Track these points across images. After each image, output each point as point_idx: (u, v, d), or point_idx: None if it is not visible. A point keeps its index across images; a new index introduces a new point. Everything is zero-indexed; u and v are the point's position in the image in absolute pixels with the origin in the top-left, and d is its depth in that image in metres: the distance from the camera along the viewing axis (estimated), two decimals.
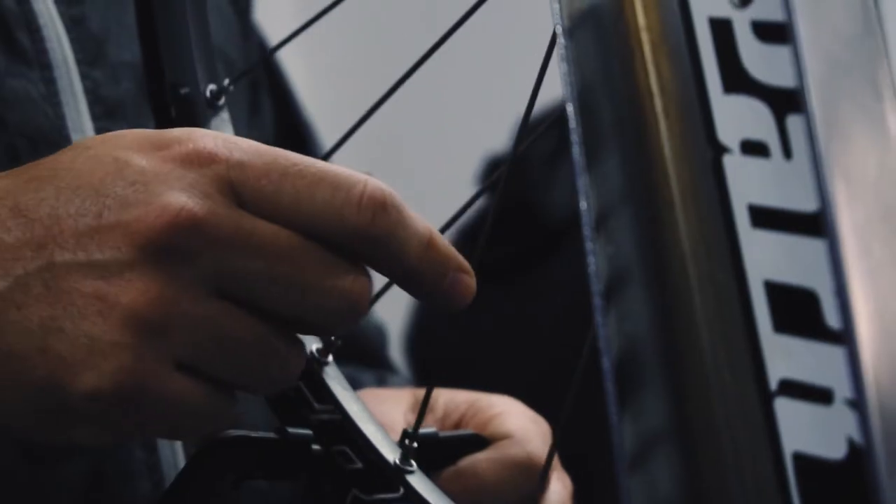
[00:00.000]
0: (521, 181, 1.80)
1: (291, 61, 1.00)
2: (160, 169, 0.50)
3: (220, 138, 0.51)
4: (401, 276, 0.53)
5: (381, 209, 0.51)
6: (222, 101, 0.63)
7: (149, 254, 0.48)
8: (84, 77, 0.71)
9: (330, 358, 0.61)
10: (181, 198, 0.49)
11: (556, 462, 0.70)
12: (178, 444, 0.70)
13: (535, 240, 1.73)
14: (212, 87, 0.63)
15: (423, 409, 0.62)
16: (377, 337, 0.96)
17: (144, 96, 0.65)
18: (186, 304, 0.49)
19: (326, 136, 0.97)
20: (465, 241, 2.02)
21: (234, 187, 0.50)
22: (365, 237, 0.51)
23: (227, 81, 0.63)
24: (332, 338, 0.61)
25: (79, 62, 0.71)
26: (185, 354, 0.49)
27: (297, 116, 0.95)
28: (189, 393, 0.50)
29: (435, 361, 1.84)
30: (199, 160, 0.50)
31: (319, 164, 0.51)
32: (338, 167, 0.51)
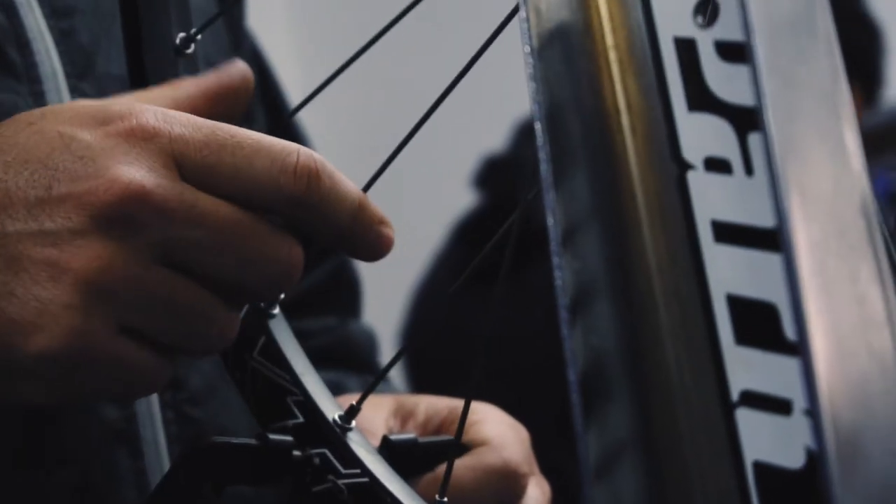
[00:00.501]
0: (517, 183, 1.81)
1: (285, 68, 1.01)
2: (105, 144, 0.52)
3: (160, 113, 0.53)
4: (335, 238, 0.56)
5: (315, 176, 0.54)
6: (191, 48, 0.64)
7: (99, 223, 0.51)
8: (73, 90, 0.72)
9: (353, 423, 0.62)
10: (129, 171, 0.51)
11: (534, 468, 0.71)
12: (164, 451, 0.72)
13: (529, 241, 1.75)
14: (181, 34, 0.64)
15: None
16: (366, 342, 0.97)
17: None
18: (134, 270, 0.51)
19: (320, 143, 0.98)
20: (460, 241, 2.04)
21: (177, 160, 0.53)
22: (301, 203, 0.54)
23: (193, 30, 0.64)
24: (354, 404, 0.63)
25: (68, 75, 0.72)
26: (131, 318, 0.52)
27: (290, 126, 0.96)
28: (133, 355, 0.52)
29: (428, 362, 1.86)
30: (143, 135, 0.52)
31: (256, 135, 0.54)
32: (273, 138, 0.54)
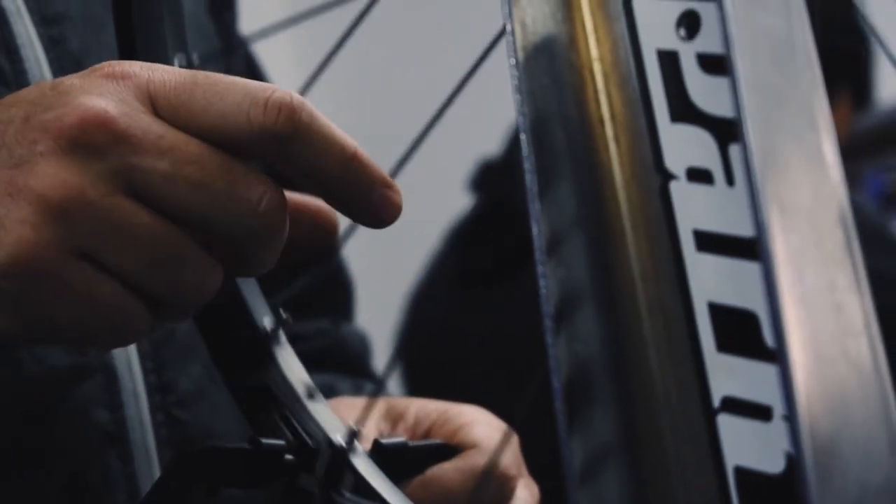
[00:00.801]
0: (513, 187, 1.82)
1: (282, 72, 1.02)
2: (85, 82, 0.53)
3: (145, 64, 0.54)
4: (324, 185, 0.55)
5: (289, 109, 0.53)
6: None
7: (61, 146, 0.52)
8: None
9: (359, 447, 0.61)
10: (98, 101, 0.52)
11: (523, 470, 0.72)
12: (154, 453, 0.72)
13: (519, 244, 1.76)
14: (180, 57, 0.65)
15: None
16: (358, 345, 0.97)
17: None
18: (91, 193, 0.51)
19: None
20: (456, 244, 2.05)
21: (152, 98, 0.53)
22: (272, 136, 0.53)
23: (195, 56, 0.65)
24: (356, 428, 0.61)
25: None
26: (88, 244, 0.52)
27: None
28: (93, 284, 0.52)
29: (425, 363, 1.87)
30: (123, 75, 0.54)
31: (235, 78, 0.54)
32: (252, 81, 0.54)
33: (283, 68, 1.04)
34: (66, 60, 0.73)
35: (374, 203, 0.55)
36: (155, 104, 0.53)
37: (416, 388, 1.92)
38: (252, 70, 0.95)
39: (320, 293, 0.96)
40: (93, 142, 0.52)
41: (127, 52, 0.64)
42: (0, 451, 0.68)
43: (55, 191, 0.51)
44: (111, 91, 0.53)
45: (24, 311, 0.53)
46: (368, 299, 1.08)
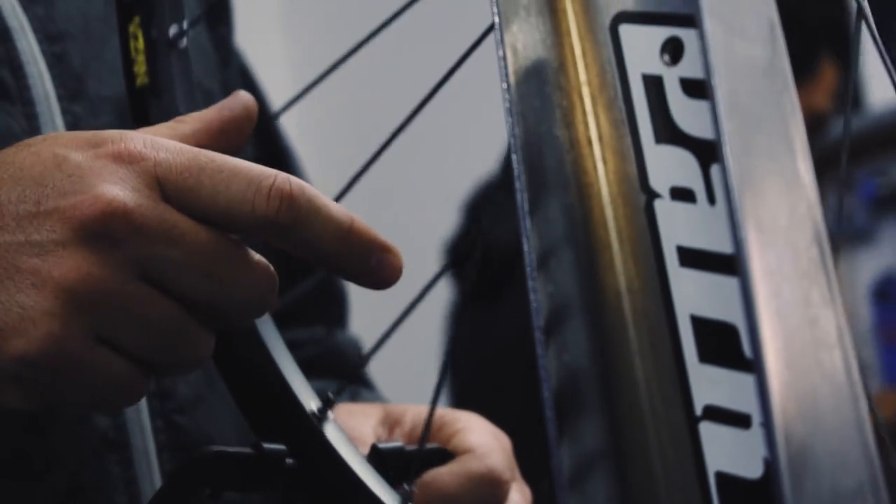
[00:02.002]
0: (506, 208, 1.87)
1: (278, 85, 1.03)
2: (94, 164, 0.55)
3: (149, 139, 0.56)
4: (324, 260, 0.57)
5: (289, 199, 0.55)
6: (184, 42, 0.66)
7: (81, 237, 0.53)
8: (65, 112, 0.74)
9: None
10: (113, 190, 0.54)
11: (516, 474, 0.73)
12: (154, 458, 0.74)
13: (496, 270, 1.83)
14: (174, 28, 0.66)
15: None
16: (353, 353, 0.98)
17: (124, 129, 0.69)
18: (112, 283, 0.53)
19: (307, 159, 1.00)
20: (450, 262, 2.08)
21: (160, 182, 0.55)
22: (273, 225, 0.56)
23: (185, 24, 0.66)
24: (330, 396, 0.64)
25: (60, 98, 0.74)
26: (108, 329, 0.54)
27: (278, 142, 0.98)
28: (109, 364, 0.54)
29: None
30: (130, 158, 0.55)
31: (235, 161, 0.56)
32: (253, 164, 0.56)
33: (279, 81, 1.05)
34: (67, 77, 0.74)
35: (373, 268, 0.57)
36: (163, 189, 0.55)
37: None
38: (247, 83, 0.96)
39: (315, 301, 0.97)
40: (112, 233, 0.53)
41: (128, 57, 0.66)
42: (2, 457, 0.69)
43: (78, 282, 0.53)
44: (123, 178, 0.55)
45: (44, 394, 0.55)
46: (362, 307, 1.09)
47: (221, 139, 0.61)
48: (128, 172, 0.55)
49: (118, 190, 0.54)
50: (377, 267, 0.58)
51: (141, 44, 0.66)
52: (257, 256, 0.56)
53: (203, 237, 0.55)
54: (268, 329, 0.66)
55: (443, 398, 0.76)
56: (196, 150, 0.56)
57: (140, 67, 0.66)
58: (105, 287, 0.53)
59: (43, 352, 0.53)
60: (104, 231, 0.53)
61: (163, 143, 0.56)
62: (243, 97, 0.62)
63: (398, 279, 0.58)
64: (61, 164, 0.55)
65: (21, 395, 0.55)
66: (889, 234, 2.93)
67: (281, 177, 0.56)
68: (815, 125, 2.20)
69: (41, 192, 0.54)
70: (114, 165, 0.55)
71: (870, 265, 2.94)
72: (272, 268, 0.57)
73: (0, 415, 0.59)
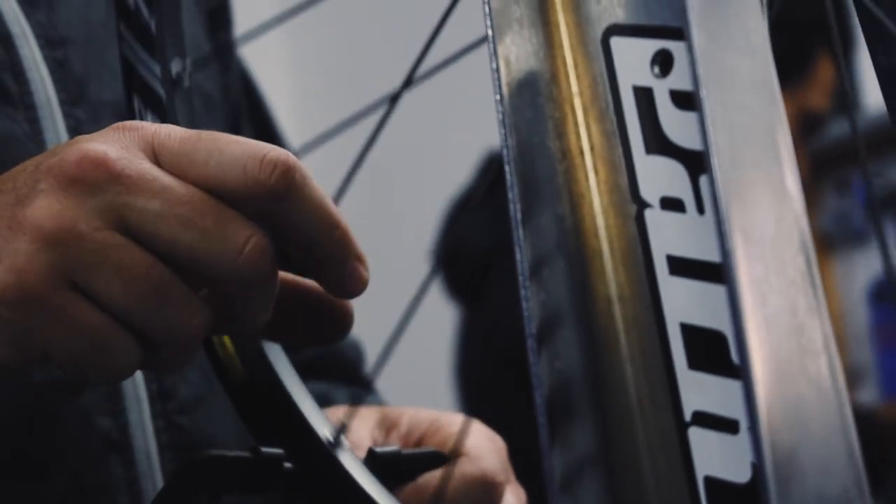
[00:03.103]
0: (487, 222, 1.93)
1: (276, 83, 1.04)
2: (94, 135, 0.57)
3: (153, 123, 0.57)
4: (305, 248, 0.57)
5: (283, 167, 0.55)
6: (187, 81, 0.67)
7: (60, 184, 0.55)
8: (67, 116, 0.75)
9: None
10: (99, 145, 0.55)
11: (511, 476, 0.74)
12: (156, 459, 0.74)
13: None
14: (177, 62, 0.67)
15: None
16: (353, 354, 0.99)
17: None
18: (84, 226, 0.54)
19: (307, 161, 1.01)
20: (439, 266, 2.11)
21: (155, 149, 0.56)
22: (265, 190, 0.55)
23: (188, 62, 0.67)
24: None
25: (62, 102, 0.75)
26: (78, 275, 0.54)
27: (278, 143, 0.99)
28: (82, 312, 0.55)
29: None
30: (129, 127, 0.57)
31: (237, 137, 0.57)
32: (253, 140, 0.56)
33: (279, 85, 1.06)
34: (69, 82, 0.75)
35: (347, 274, 0.58)
36: (158, 156, 0.56)
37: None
38: (247, 87, 0.97)
39: None
40: (88, 179, 0.54)
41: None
42: (5, 457, 0.70)
43: (49, 222, 0.54)
44: (115, 139, 0.56)
45: (16, 337, 0.55)
46: (363, 309, 1.10)
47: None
48: (121, 135, 0.56)
49: (103, 145, 0.55)
50: (351, 274, 0.58)
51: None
52: (245, 217, 0.56)
53: (185, 191, 0.55)
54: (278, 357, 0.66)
55: (447, 400, 0.77)
56: (198, 130, 0.57)
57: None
58: (75, 229, 0.54)
59: (6, 284, 0.54)
60: (80, 177, 0.55)
61: (168, 124, 0.57)
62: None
63: (362, 293, 0.58)
64: (70, 141, 0.57)
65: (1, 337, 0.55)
66: (885, 236, 2.94)
67: (280, 150, 0.56)
68: (812, 125, 2.20)
69: (42, 158, 0.56)
70: (111, 132, 0.57)
71: (867, 266, 2.95)
72: (262, 230, 0.56)
73: (4, 415, 0.60)
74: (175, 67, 0.66)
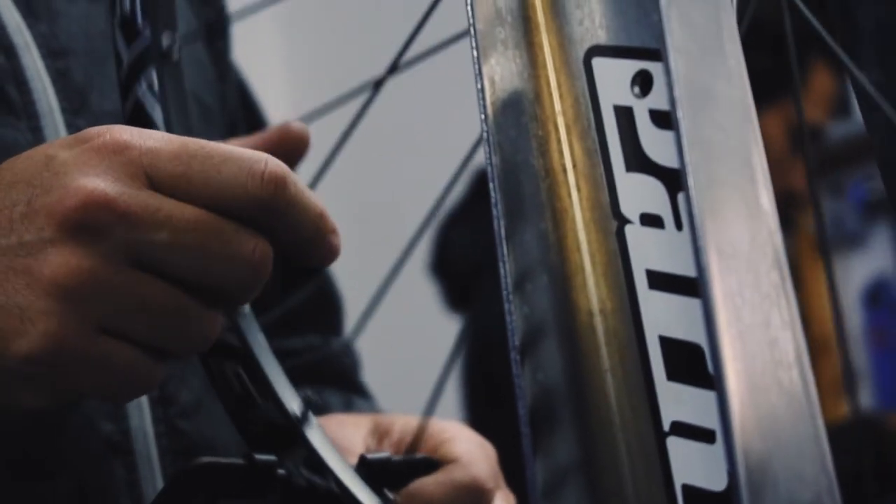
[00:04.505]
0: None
1: (275, 98, 1.04)
2: (79, 159, 0.56)
3: (136, 131, 0.57)
4: (297, 244, 0.59)
5: (282, 183, 0.57)
6: (176, 54, 0.68)
7: (67, 231, 0.55)
8: (69, 125, 0.76)
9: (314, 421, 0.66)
10: (94, 181, 0.55)
11: (501, 482, 0.76)
12: (157, 463, 0.75)
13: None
14: (167, 38, 0.68)
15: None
16: (348, 360, 0.99)
17: None
18: (103, 273, 0.55)
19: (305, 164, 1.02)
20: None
21: (146, 171, 0.56)
22: (267, 207, 0.57)
23: (176, 38, 0.67)
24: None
25: (64, 111, 0.76)
26: (107, 319, 0.55)
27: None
28: (116, 354, 0.56)
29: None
30: (115, 148, 0.56)
31: (225, 146, 0.58)
32: (242, 149, 0.58)
33: (276, 94, 1.07)
34: (71, 92, 0.76)
35: (325, 249, 0.60)
36: (151, 178, 0.56)
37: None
38: (243, 96, 0.99)
39: (310, 309, 0.99)
40: (96, 224, 0.55)
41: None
42: (8, 461, 0.70)
43: (68, 277, 0.54)
44: (107, 169, 0.56)
45: (54, 388, 0.56)
46: (357, 314, 1.11)
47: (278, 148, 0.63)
48: (110, 163, 0.56)
49: (99, 181, 0.55)
50: (329, 249, 0.60)
51: None
52: (245, 228, 0.57)
53: (189, 216, 0.56)
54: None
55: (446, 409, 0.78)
56: (184, 138, 0.57)
57: None
58: (96, 278, 0.54)
59: (45, 350, 0.54)
60: (87, 222, 0.54)
61: (150, 133, 0.57)
62: (296, 125, 0.64)
63: (335, 260, 0.61)
64: (49, 162, 0.56)
65: (35, 394, 0.56)
66: (880, 239, 2.95)
67: (272, 160, 0.57)
68: (809, 136, 2.20)
69: (31, 192, 0.56)
70: (97, 158, 0.56)
71: (861, 269, 2.96)
72: (262, 238, 0.58)
73: (8, 419, 0.61)
74: (165, 41, 0.67)
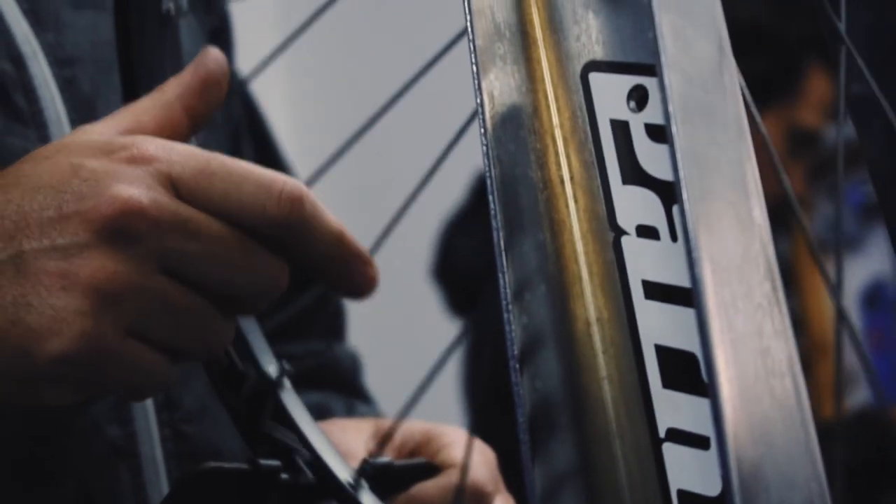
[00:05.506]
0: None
1: (276, 107, 1.05)
2: (109, 168, 0.58)
3: (160, 143, 0.59)
4: (314, 263, 0.61)
5: (299, 203, 0.59)
6: (173, 18, 0.69)
7: (103, 236, 0.56)
8: None
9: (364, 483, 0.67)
10: (129, 189, 0.57)
11: (500, 486, 0.77)
12: (162, 466, 0.76)
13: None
14: (169, 4, 0.69)
15: None
16: (350, 365, 1.01)
17: None
18: (137, 278, 0.57)
19: (307, 172, 1.03)
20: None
21: (173, 181, 0.58)
22: (283, 225, 0.59)
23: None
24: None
25: (72, 120, 0.77)
26: (136, 322, 0.57)
27: (277, 159, 1.01)
28: (140, 355, 0.58)
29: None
30: (143, 160, 0.58)
31: (246, 164, 0.59)
32: (261, 168, 0.60)
33: (278, 104, 1.08)
34: (78, 100, 0.77)
35: (352, 276, 0.61)
36: (177, 188, 0.58)
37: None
38: (247, 104, 0.99)
39: (313, 315, 1.00)
40: (131, 230, 0.56)
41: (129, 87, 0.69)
42: (15, 465, 0.71)
43: (105, 281, 0.56)
44: (138, 178, 0.57)
45: (83, 386, 0.58)
46: (360, 320, 1.12)
47: (204, 96, 0.63)
48: (142, 173, 0.57)
49: (134, 189, 0.57)
50: (358, 276, 0.61)
51: None
52: (265, 246, 0.60)
53: (217, 230, 0.58)
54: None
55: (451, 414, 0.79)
56: (207, 154, 0.59)
57: None
58: (130, 283, 0.56)
59: (79, 349, 0.56)
60: (124, 229, 0.56)
61: (174, 146, 0.59)
62: (211, 53, 0.64)
63: (374, 291, 0.62)
64: (78, 170, 0.58)
65: (60, 393, 0.58)
66: (878, 242, 2.96)
67: (290, 182, 0.59)
68: (805, 142, 2.19)
69: (61, 198, 0.57)
70: (128, 168, 0.58)
71: (859, 272, 2.97)
72: (279, 255, 0.60)
73: (15, 423, 0.63)
74: (165, 4, 0.68)
